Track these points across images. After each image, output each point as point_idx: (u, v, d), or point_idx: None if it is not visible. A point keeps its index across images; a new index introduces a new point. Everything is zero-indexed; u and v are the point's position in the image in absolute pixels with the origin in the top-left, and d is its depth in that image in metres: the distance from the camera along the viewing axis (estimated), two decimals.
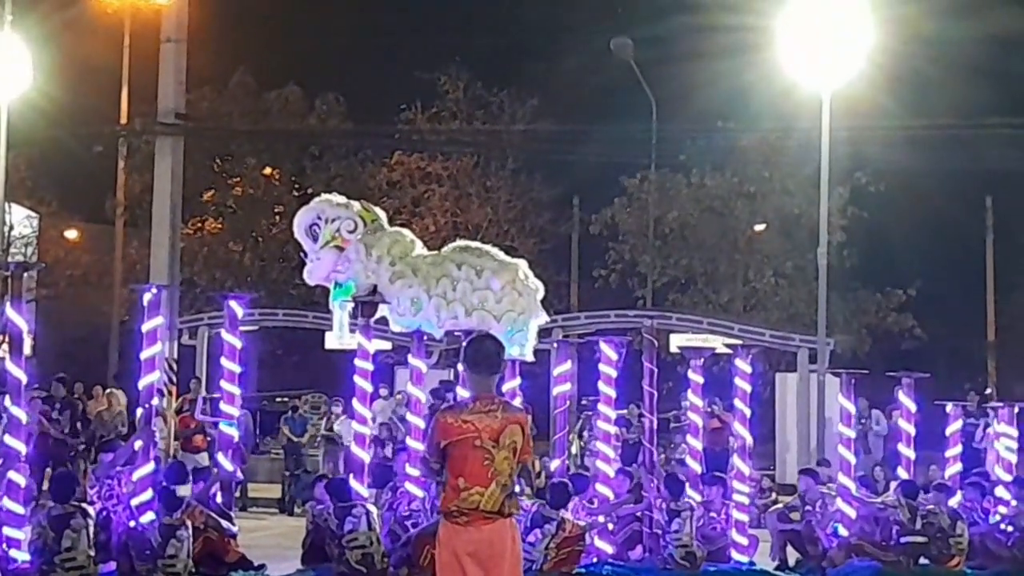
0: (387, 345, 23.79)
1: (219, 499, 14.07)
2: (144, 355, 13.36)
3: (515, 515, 7.39)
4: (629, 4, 39.29)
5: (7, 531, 12.42)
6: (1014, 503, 15.78)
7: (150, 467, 13.09)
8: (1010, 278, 40.89)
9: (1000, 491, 16.28)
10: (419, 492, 13.94)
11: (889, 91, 31.47)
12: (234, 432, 14.70)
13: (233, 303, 14.42)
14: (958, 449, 16.63)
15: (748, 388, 15.25)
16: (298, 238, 23.18)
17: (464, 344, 7.83)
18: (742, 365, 15.18)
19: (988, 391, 30.75)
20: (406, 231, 23.74)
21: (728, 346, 19.17)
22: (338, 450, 22.66)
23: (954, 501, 15.56)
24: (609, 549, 14.48)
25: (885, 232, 37.55)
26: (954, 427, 16.63)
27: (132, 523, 12.82)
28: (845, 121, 27.73)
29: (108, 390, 24.88)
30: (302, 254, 23.11)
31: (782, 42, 25.49)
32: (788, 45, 25.30)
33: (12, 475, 12.52)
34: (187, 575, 12.56)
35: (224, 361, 14.36)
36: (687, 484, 14.79)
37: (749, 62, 30.15)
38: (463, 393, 13.79)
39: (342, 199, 23.32)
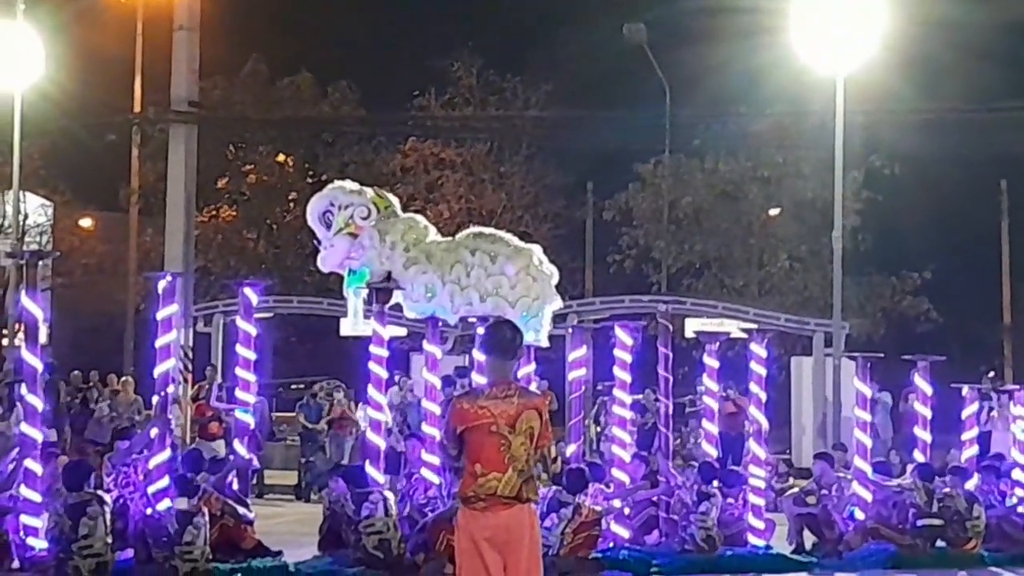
0: (402, 331, 23.80)
1: (235, 486, 14.10)
2: (159, 343, 13.39)
3: (533, 501, 7.38)
4: None
5: (24, 519, 12.47)
6: None
7: (166, 454, 13.13)
8: None
9: (1017, 474, 16.26)
10: (435, 479, 13.95)
11: (903, 75, 31.37)
12: (250, 419, 14.72)
13: (248, 290, 14.44)
14: (974, 432, 16.61)
15: (763, 372, 15.25)
16: (311, 225, 23.21)
17: (482, 329, 7.84)
18: (757, 349, 15.16)
19: (991, 374, 30.69)
20: (420, 217, 23.77)
21: (743, 330, 19.18)
22: (344, 437, 22.62)
23: (971, 484, 15.54)
24: (625, 534, 14.49)
25: (900, 216, 37.43)
26: (970, 410, 16.59)
27: (149, 510, 12.86)
28: (859, 105, 27.65)
29: (123, 378, 24.95)
30: (316, 241, 23.15)
31: (796, 26, 25.42)
32: (802, 28, 25.23)
33: (29, 463, 12.57)
34: (204, 562, 12.59)
35: (239, 348, 14.39)
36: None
37: (763, 46, 30.06)
38: (478, 379, 13.80)
39: (355, 186, 23.35)
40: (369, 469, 13.86)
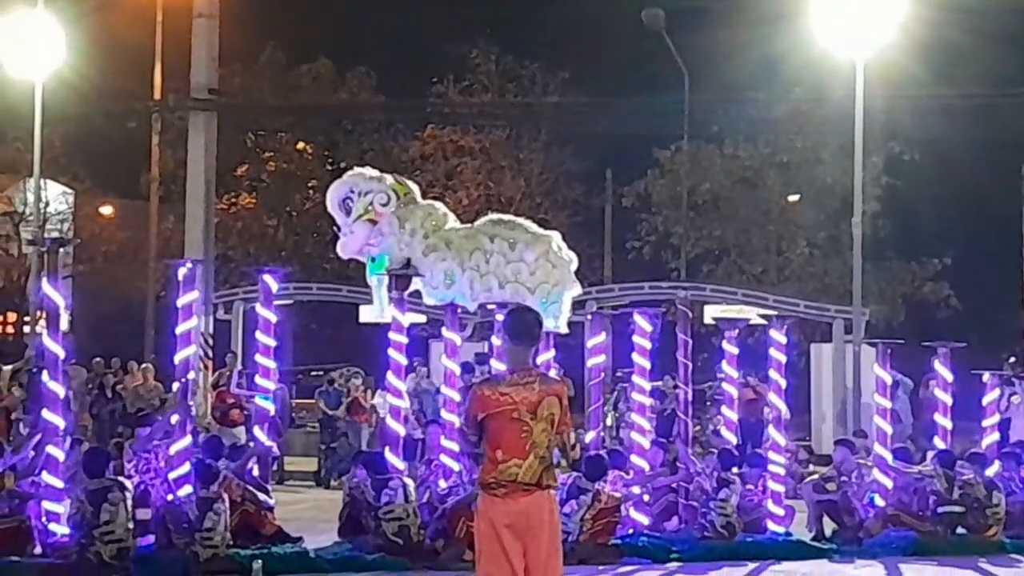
0: (421, 318, 23.82)
1: (256, 472, 14.14)
2: (180, 330, 13.44)
3: (553, 487, 7.39)
4: None
5: (47, 505, 12.54)
6: None
7: (187, 441, 13.17)
8: None
9: None
10: (455, 465, 13.98)
11: (923, 60, 31.22)
12: (270, 406, 14.75)
13: (268, 277, 14.46)
14: (995, 419, 16.54)
15: (783, 359, 15.22)
16: (331, 212, 23.27)
17: (504, 315, 7.84)
18: (777, 336, 15.14)
19: (1012, 360, 30.56)
20: (439, 204, 23.82)
21: (762, 317, 19.13)
22: (360, 425, 22.65)
23: (991, 471, 15.49)
24: (645, 521, 14.49)
25: (919, 202, 37.30)
26: (990, 397, 16.53)
27: (170, 496, 12.91)
28: (879, 90, 27.55)
29: (143, 365, 25.01)
30: (336, 228, 23.19)
31: (815, 10, 25.33)
32: (821, 13, 25.13)
33: (51, 449, 12.63)
34: (224, 548, 12.64)
35: (259, 335, 14.41)
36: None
37: (782, 31, 29.95)
38: (498, 366, 13.81)
39: (375, 172, 23.40)
40: (388, 456, 13.90)
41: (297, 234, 40.34)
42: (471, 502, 8.47)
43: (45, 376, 12.88)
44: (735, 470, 14.63)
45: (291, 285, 26.16)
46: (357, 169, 24.01)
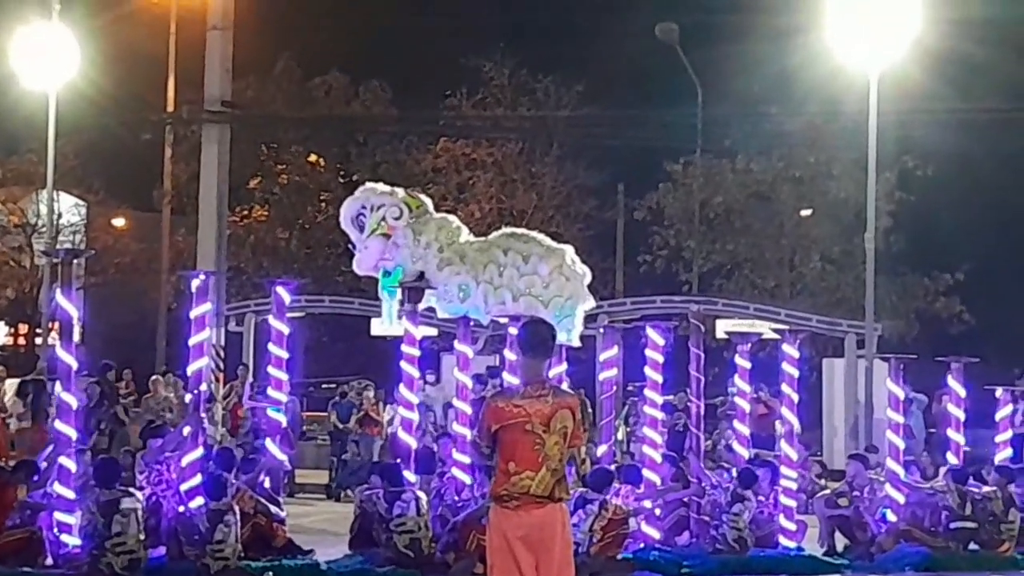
0: (433, 331, 23.81)
1: (267, 484, 14.13)
2: (192, 341, 13.44)
3: (565, 500, 7.39)
4: None
5: (58, 516, 12.55)
6: None
7: (199, 453, 13.17)
8: None
9: None
10: (467, 478, 13.95)
11: (937, 73, 31.15)
12: (282, 418, 14.74)
13: (280, 289, 14.47)
14: (1008, 434, 16.51)
15: (795, 373, 15.19)
16: (345, 229, 23.33)
17: (518, 328, 7.86)
18: (789, 350, 15.10)
19: None
20: (452, 217, 23.86)
21: (775, 331, 19.10)
22: (372, 437, 22.63)
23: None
24: (656, 535, 14.45)
25: (933, 216, 37.21)
26: (1004, 412, 16.49)
27: (181, 508, 12.91)
28: (892, 104, 27.49)
29: (154, 377, 25.00)
30: (350, 245, 23.26)
31: (829, 24, 25.32)
32: (835, 27, 25.12)
33: (63, 460, 12.64)
34: (235, 560, 12.64)
35: (272, 347, 14.42)
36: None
37: (795, 45, 29.96)
38: (510, 379, 13.80)
39: (386, 187, 23.47)
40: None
41: (309, 247, 40.36)
42: (482, 515, 8.46)
43: (58, 387, 12.89)
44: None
45: (303, 297, 26.15)
46: (369, 185, 24.06)
